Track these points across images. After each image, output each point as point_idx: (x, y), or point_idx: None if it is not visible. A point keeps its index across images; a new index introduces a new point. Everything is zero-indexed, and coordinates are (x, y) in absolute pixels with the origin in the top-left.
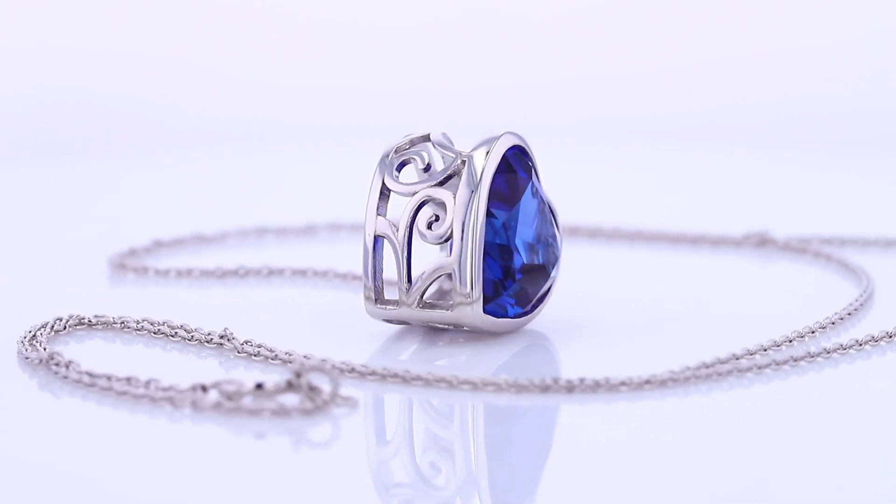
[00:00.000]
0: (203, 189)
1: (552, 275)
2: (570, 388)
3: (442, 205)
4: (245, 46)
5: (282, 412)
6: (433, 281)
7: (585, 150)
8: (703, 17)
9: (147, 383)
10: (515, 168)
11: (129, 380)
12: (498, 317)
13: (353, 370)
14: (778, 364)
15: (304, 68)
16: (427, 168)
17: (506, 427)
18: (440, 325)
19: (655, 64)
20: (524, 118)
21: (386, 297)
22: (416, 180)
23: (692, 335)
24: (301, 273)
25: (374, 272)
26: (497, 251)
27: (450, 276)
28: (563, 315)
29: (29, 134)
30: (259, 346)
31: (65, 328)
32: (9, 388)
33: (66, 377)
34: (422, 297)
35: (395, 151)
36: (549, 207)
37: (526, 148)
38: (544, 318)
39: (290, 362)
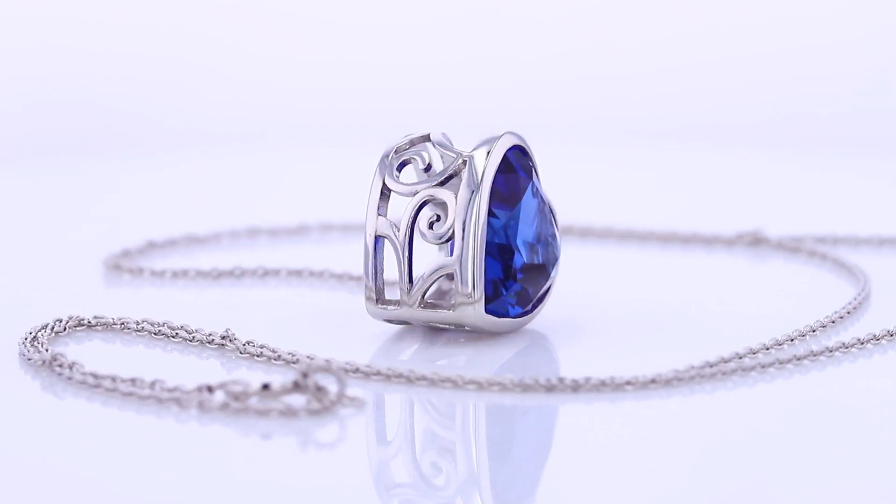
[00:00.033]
0: (202, 189)
1: (552, 274)
2: (575, 387)
3: (443, 205)
4: (245, 46)
5: (289, 413)
6: (435, 281)
7: (585, 150)
8: (703, 17)
9: (152, 384)
10: (516, 168)
11: (134, 381)
12: (499, 317)
13: (357, 370)
14: (781, 363)
15: (304, 68)
16: (427, 168)
17: (509, 426)
18: (441, 325)
19: (655, 64)
20: (524, 118)
21: (387, 298)
22: (417, 180)
23: (692, 335)
24: (297, 273)
25: (376, 272)
26: (498, 251)
27: (450, 276)
28: (563, 315)
29: (29, 134)
30: (262, 347)
31: (64, 329)
32: (12, 390)
33: (70, 378)
34: (423, 297)
35: (395, 152)
36: (549, 207)
37: (526, 148)
38: (544, 318)
39: (294, 363)
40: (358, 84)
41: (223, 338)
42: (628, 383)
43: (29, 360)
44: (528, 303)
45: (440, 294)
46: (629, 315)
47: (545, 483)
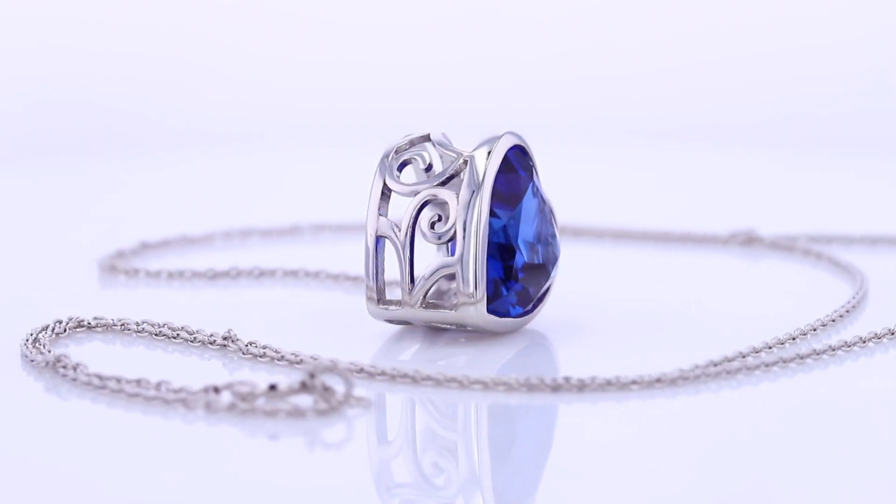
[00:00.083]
0: (200, 190)
1: (552, 274)
2: (581, 386)
3: (444, 205)
4: (245, 46)
5: (296, 413)
6: (436, 281)
7: (585, 150)
8: (703, 17)
9: (158, 385)
10: (516, 168)
11: (139, 382)
12: (501, 316)
13: (361, 370)
14: (785, 362)
15: (304, 68)
16: (428, 168)
17: (510, 426)
18: (442, 325)
19: (655, 64)
20: (524, 118)
21: (388, 298)
22: (417, 180)
23: (691, 334)
24: (293, 274)
25: (377, 272)
26: (499, 251)
27: (451, 276)
28: (563, 315)
29: (29, 134)
30: (264, 348)
31: (64, 331)
32: (15, 392)
33: (74, 380)
34: (425, 297)
35: (396, 152)
36: (549, 207)
37: (526, 148)
38: (544, 318)
39: (297, 363)
40: (358, 84)
41: (225, 339)
42: (634, 382)
43: (32, 361)
44: (529, 302)
45: (439, 294)
46: (628, 315)
47: (547, 483)
